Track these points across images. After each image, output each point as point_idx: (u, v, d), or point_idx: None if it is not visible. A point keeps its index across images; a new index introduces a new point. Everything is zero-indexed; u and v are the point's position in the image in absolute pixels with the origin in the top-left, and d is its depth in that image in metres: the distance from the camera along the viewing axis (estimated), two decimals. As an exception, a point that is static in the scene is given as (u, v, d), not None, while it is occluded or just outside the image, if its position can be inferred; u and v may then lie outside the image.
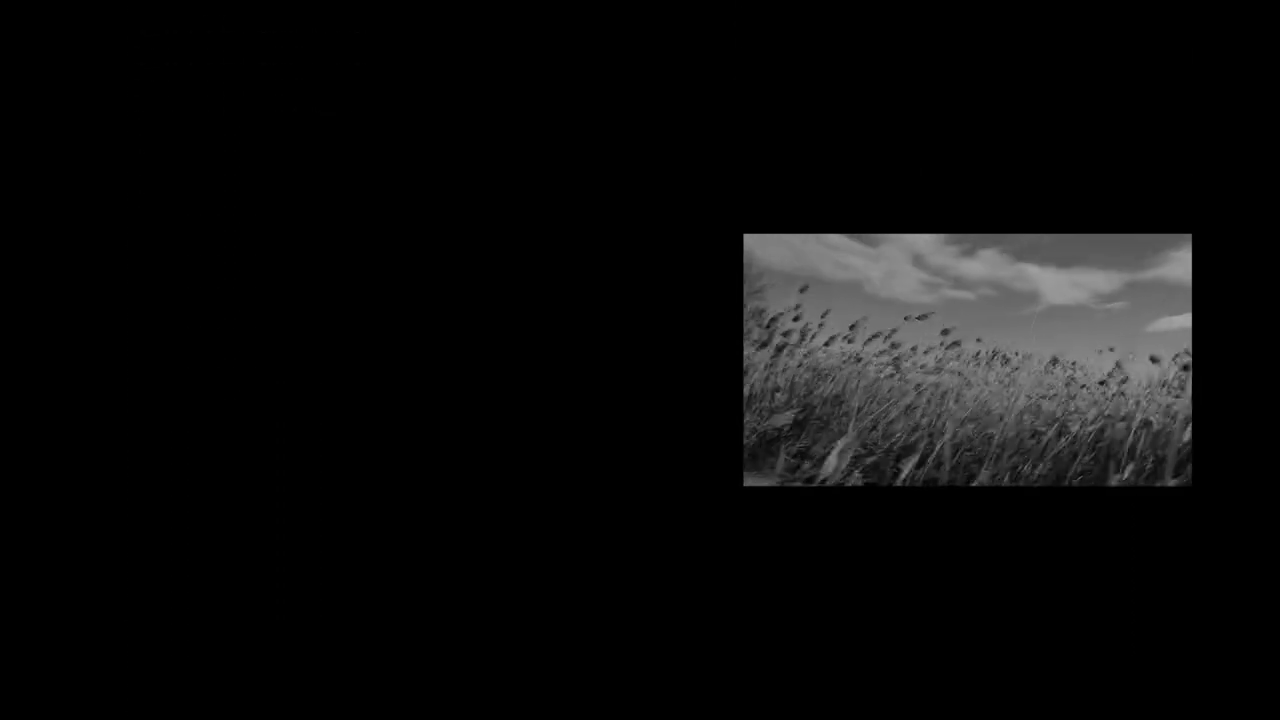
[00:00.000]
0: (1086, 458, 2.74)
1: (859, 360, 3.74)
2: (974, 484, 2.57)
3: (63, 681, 1.99)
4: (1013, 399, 3.23)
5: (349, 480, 2.04)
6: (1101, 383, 3.27)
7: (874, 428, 3.32)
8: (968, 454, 2.75)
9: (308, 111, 2.04)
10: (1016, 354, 3.81)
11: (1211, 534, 2.05)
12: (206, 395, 2.03)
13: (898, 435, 3.09)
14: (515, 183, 2.08)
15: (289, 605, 2.03)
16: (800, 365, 3.73)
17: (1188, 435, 2.16)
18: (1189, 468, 2.11)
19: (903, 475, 2.54)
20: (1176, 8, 2.09)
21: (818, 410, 3.51)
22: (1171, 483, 2.28)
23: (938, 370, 3.66)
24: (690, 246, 2.09)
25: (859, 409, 3.38)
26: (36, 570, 2.00)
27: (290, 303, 2.05)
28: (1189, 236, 2.07)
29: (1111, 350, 3.40)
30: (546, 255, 2.08)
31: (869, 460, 2.96)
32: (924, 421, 3.18)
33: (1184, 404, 2.77)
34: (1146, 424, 2.76)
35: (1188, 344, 2.23)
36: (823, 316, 3.68)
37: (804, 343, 3.63)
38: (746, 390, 3.36)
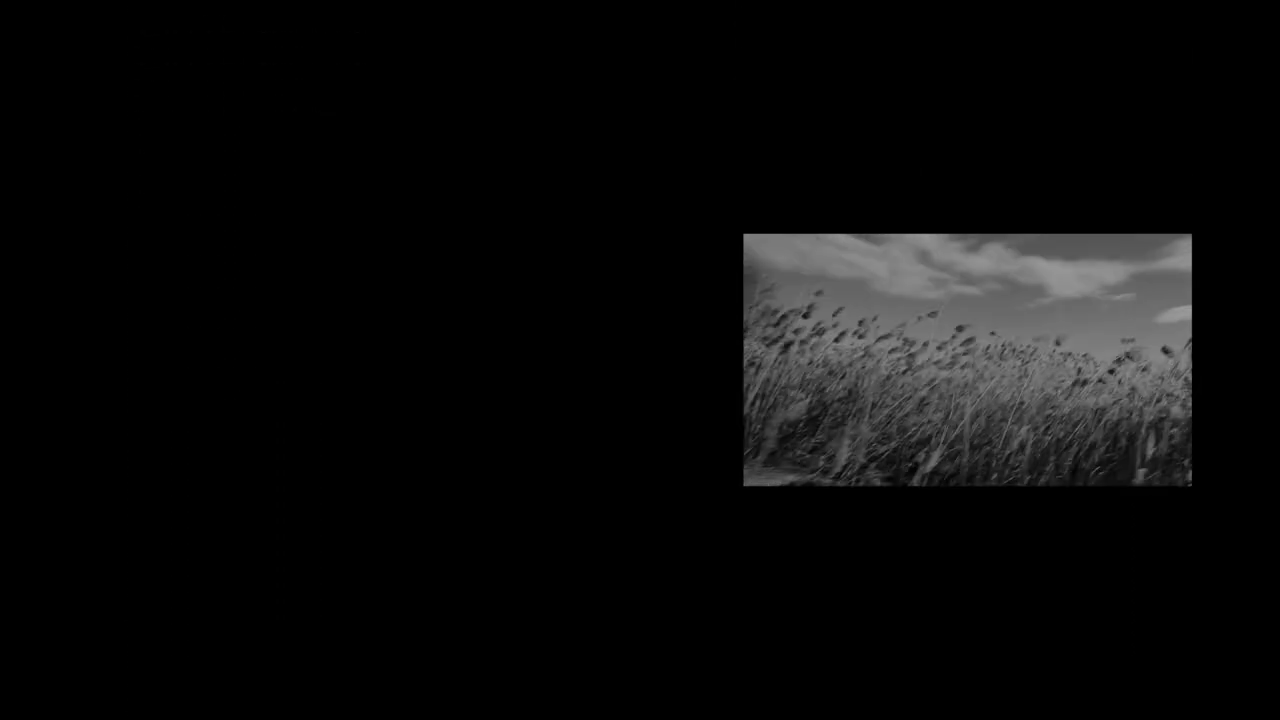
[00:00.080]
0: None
1: (866, 354, 3.74)
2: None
3: (63, 681, 2.01)
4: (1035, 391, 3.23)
5: (349, 480, 2.06)
6: (1111, 371, 3.26)
7: (889, 421, 3.32)
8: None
9: (308, 111, 2.05)
10: (1027, 347, 3.80)
11: (1211, 534, 2.04)
12: (206, 395, 2.05)
13: (912, 430, 3.09)
14: (516, 183, 2.09)
15: (289, 605, 2.05)
16: (810, 361, 3.73)
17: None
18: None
19: (929, 467, 2.55)
20: (1176, 8, 2.08)
21: (831, 406, 3.51)
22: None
23: (950, 365, 3.65)
24: (690, 246, 2.10)
25: (873, 404, 3.38)
26: (36, 570, 2.02)
27: (290, 303, 2.07)
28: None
29: (1128, 342, 3.38)
30: (547, 255, 2.08)
31: (886, 449, 2.97)
32: (936, 416, 3.17)
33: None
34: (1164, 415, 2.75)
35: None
36: (835, 315, 3.68)
37: (816, 339, 3.63)
38: (760, 384, 3.37)
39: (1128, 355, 3.25)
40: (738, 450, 2.08)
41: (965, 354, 3.63)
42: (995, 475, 2.68)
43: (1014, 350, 3.82)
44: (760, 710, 2.03)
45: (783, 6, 2.09)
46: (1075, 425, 2.89)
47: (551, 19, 2.08)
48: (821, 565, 2.06)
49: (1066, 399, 3.16)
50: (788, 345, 3.46)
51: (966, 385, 3.35)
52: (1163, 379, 3.20)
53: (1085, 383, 3.29)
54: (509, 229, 2.09)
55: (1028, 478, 2.64)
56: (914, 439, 3.05)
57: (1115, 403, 3.00)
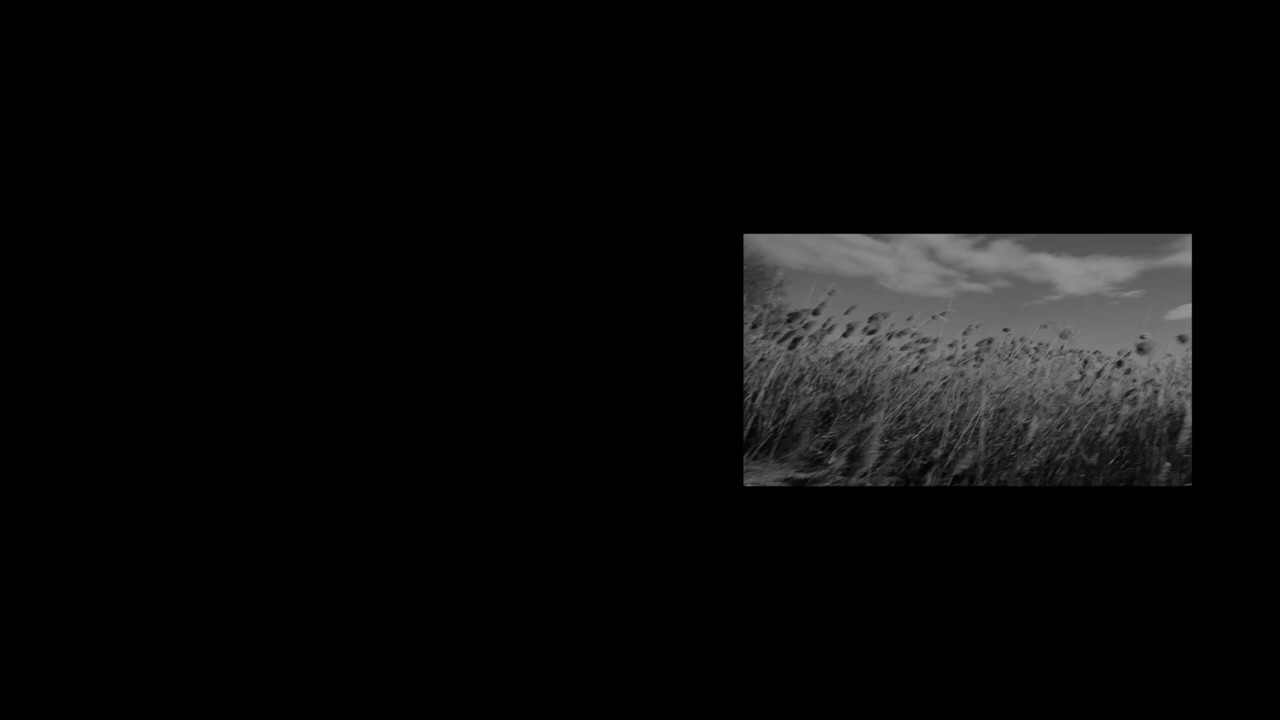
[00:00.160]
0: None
1: (877, 349, 3.74)
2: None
3: (62, 681, 2.03)
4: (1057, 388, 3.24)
5: (349, 480, 2.07)
6: (1119, 363, 3.26)
7: (901, 417, 3.32)
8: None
9: (308, 112, 2.07)
10: (1036, 345, 3.80)
11: (1211, 534, 2.03)
12: (206, 395, 2.07)
13: (928, 424, 3.09)
14: (516, 183, 2.10)
15: (289, 605, 2.06)
16: (820, 357, 3.74)
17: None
18: None
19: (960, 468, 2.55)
20: (1176, 8, 2.07)
21: (842, 402, 3.51)
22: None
23: (964, 362, 3.65)
24: (691, 246, 2.10)
25: (887, 400, 3.38)
26: (36, 570, 2.04)
27: (290, 302, 2.08)
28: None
29: (1142, 339, 3.38)
30: (548, 255, 2.10)
31: (907, 438, 2.96)
32: (950, 409, 3.17)
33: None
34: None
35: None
36: (847, 313, 3.69)
37: (825, 335, 3.64)
38: (773, 375, 3.38)
39: (1139, 348, 3.25)
40: (738, 450, 2.09)
41: (983, 353, 3.63)
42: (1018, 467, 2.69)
43: (1025, 348, 3.82)
44: (761, 710, 2.04)
45: (783, 6, 2.09)
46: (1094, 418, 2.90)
47: (551, 20, 2.09)
48: (822, 565, 2.06)
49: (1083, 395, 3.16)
50: (795, 342, 3.47)
51: (984, 382, 3.35)
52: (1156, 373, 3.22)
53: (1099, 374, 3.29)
54: (510, 229, 2.10)
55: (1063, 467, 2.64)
56: (929, 432, 3.05)
57: (1130, 393, 3.01)
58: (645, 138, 2.10)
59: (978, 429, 2.87)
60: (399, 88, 2.09)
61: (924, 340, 3.71)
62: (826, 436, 3.24)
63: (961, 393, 3.24)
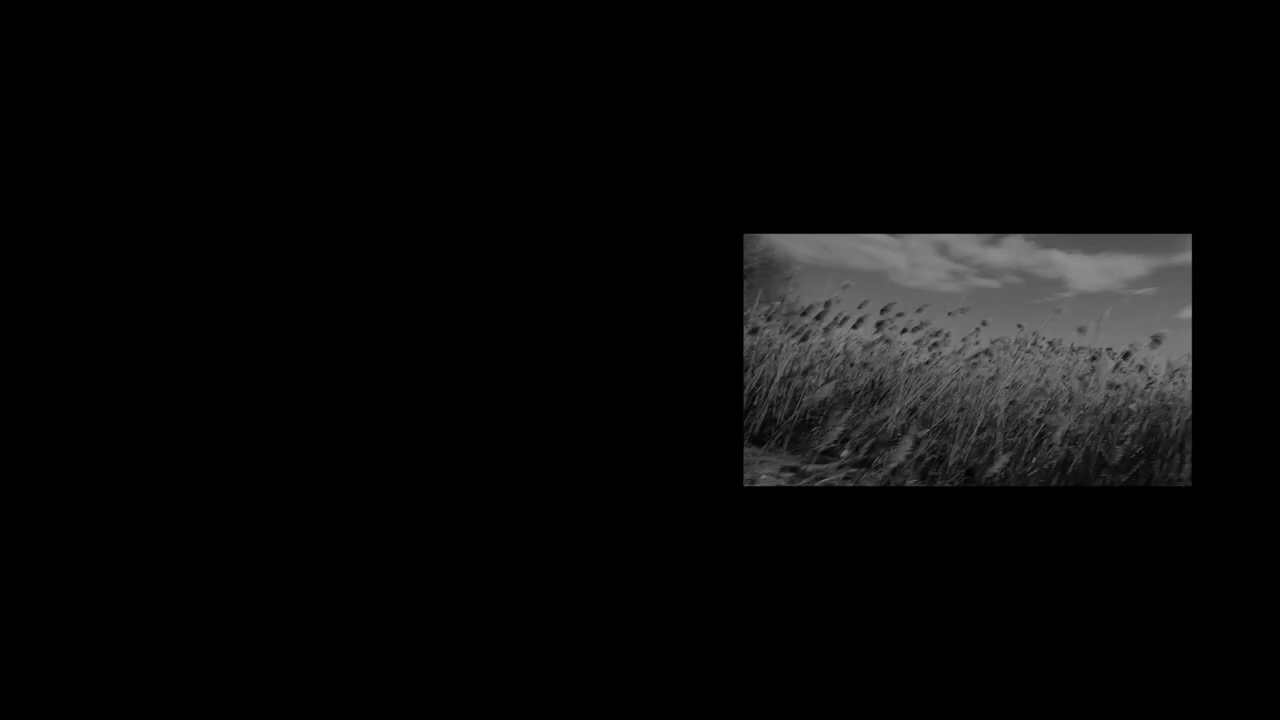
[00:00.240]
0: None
1: (888, 342, 3.74)
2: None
3: (63, 681, 2.06)
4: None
5: (349, 480, 2.09)
6: (1126, 355, 3.25)
7: (914, 410, 3.31)
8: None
9: (308, 112, 2.09)
10: (1049, 342, 3.79)
11: (1211, 534, 2.02)
12: (206, 395, 2.09)
13: (950, 418, 3.08)
14: (516, 182, 2.11)
15: (289, 605, 2.08)
16: (832, 351, 3.74)
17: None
18: None
19: (994, 469, 2.55)
20: (1176, 8, 2.05)
21: (854, 395, 3.52)
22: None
23: (977, 358, 3.64)
24: (691, 245, 2.11)
25: (902, 394, 3.38)
26: (36, 569, 2.07)
27: (290, 303, 2.10)
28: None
29: (1155, 337, 3.36)
30: (547, 255, 2.11)
31: (931, 428, 2.97)
32: (969, 399, 3.17)
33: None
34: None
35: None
36: (860, 306, 3.69)
37: (837, 327, 3.64)
38: (785, 368, 3.39)
39: (1155, 339, 3.23)
40: (738, 450, 2.10)
41: (1012, 350, 3.63)
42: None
43: (1042, 347, 3.81)
44: (761, 710, 2.05)
45: (783, 6, 2.09)
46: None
47: (551, 19, 2.10)
48: (822, 565, 2.07)
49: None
50: (804, 336, 3.47)
51: (1018, 383, 3.35)
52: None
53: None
54: (510, 229, 2.11)
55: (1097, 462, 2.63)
56: (942, 427, 3.05)
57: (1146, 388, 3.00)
58: (646, 138, 2.11)
59: (1025, 429, 2.86)
60: (399, 88, 2.11)
61: (938, 335, 3.70)
62: (842, 429, 3.23)
63: (987, 385, 3.23)
